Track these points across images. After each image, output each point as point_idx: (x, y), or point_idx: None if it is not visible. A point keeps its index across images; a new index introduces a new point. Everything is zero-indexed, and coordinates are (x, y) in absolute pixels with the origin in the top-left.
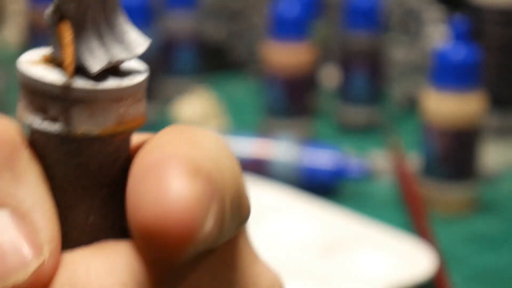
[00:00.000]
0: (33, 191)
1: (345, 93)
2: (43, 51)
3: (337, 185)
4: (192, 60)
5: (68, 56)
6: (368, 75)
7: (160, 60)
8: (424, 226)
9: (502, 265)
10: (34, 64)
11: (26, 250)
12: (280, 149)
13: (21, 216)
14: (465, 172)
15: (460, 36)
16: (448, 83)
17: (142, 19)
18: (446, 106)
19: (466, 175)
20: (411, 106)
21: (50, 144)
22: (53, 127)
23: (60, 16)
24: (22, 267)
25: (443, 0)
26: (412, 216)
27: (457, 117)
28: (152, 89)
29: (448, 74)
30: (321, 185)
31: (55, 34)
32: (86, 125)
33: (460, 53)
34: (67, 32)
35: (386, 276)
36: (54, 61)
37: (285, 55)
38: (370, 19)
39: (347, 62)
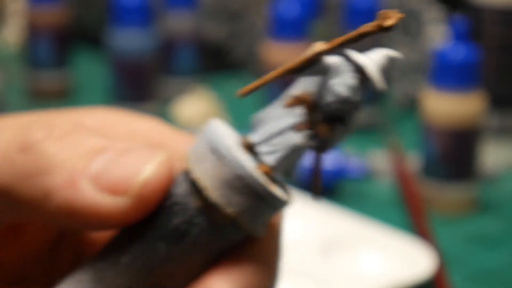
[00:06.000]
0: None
1: None
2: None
3: (337, 185)
4: (192, 60)
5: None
6: None
7: (160, 60)
8: (424, 226)
9: (502, 265)
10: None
11: (138, 165)
12: None
13: (128, 148)
14: (465, 172)
15: (460, 36)
16: (448, 83)
17: (142, 19)
18: (446, 106)
19: (466, 175)
20: (411, 106)
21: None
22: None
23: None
24: (142, 168)
25: (443, 0)
26: (412, 216)
27: (457, 117)
28: (152, 89)
29: (448, 74)
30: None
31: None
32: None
33: (460, 53)
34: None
35: (386, 276)
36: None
37: (285, 55)
38: (370, 19)
39: None
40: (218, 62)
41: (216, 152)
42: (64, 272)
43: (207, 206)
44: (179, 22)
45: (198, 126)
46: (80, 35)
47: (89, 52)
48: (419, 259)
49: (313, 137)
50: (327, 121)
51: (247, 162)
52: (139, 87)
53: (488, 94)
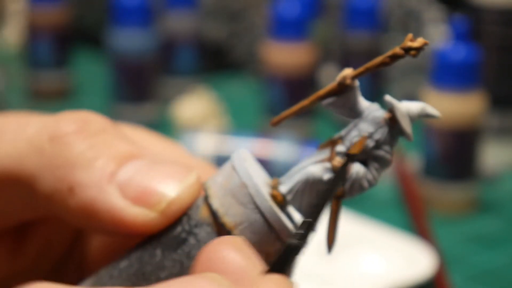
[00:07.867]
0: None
1: None
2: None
3: None
4: (192, 60)
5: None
6: (367, 76)
7: (160, 60)
8: (424, 226)
9: (502, 265)
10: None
11: (168, 181)
12: (280, 149)
13: (158, 162)
14: (465, 172)
15: (460, 36)
16: (448, 83)
17: (142, 19)
18: (446, 106)
19: (466, 175)
20: None
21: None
22: None
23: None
24: (168, 194)
25: (443, 0)
26: (412, 216)
27: (457, 117)
28: (152, 89)
29: (448, 74)
30: None
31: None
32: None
33: (460, 53)
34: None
35: (386, 276)
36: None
37: (285, 55)
38: (370, 19)
39: (347, 62)
40: (218, 62)
41: (232, 166)
42: None
43: (210, 217)
44: (179, 22)
45: (198, 126)
46: (80, 35)
47: (89, 52)
48: (419, 259)
49: (329, 170)
50: (346, 157)
51: (256, 174)
52: (139, 87)
53: (488, 94)
